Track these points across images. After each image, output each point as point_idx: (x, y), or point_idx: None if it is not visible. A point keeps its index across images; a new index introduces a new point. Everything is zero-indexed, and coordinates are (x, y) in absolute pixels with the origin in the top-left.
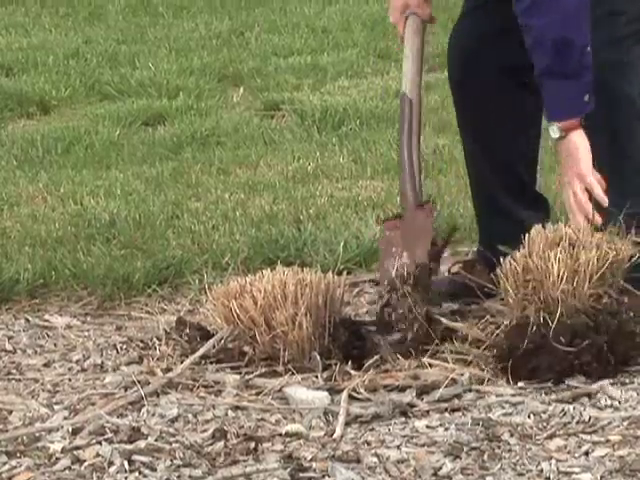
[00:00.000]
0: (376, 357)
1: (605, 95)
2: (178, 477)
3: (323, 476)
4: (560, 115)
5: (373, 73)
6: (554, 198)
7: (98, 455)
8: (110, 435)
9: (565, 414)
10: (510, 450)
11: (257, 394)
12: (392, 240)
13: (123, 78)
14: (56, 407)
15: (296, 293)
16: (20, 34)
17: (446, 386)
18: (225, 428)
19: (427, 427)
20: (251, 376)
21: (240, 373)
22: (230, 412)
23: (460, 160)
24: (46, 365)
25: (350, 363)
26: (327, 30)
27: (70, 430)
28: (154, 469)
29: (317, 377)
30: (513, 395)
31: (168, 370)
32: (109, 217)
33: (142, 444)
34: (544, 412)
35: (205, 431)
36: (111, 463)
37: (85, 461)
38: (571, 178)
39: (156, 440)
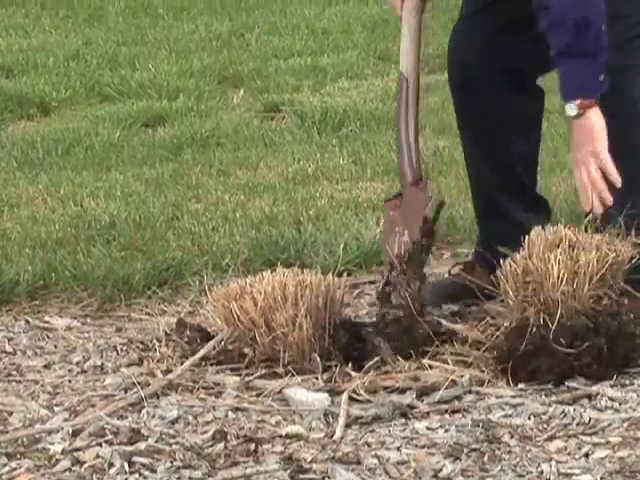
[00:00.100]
0: (376, 359)
1: (609, 98)
2: (178, 478)
3: (323, 477)
4: (578, 94)
5: (373, 75)
6: (554, 200)
7: (98, 457)
8: (110, 437)
9: (565, 416)
10: (510, 452)
11: (257, 395)
12: (394, 219)
13: (123, 79)
14: (56, 409)
15: (296, 294)
16: (20, 36)
17: (446, 388)
18: (225, 429)
19: (427, 429)
20: (251, 377)
21: (240, 374)
22: (230, 413)
23: (460, 162)
24: (46, 367)
25: (350, 365)
26: (327, 32)
27: (70, 432)
28: (154, 470)
29: (317, 378)
30: (513, 397)
31: (168, 372)
32: (109, 218)
33: (142, 445)
34: (544, 414)
35: (205, 432)
36: (111, 465)
37: (85, 462)
38: (585, 156)
39: (156, 442)
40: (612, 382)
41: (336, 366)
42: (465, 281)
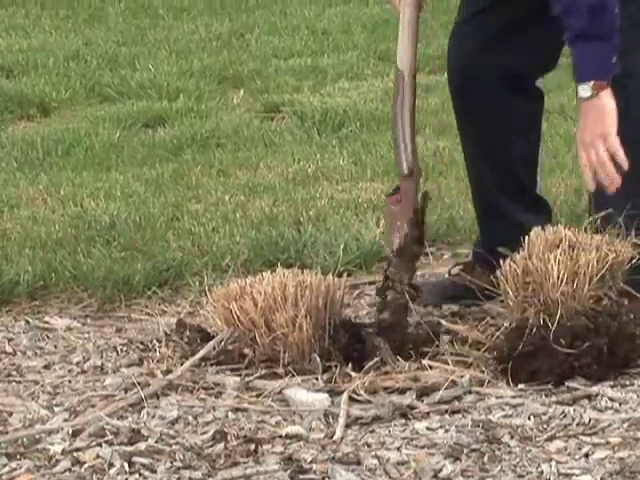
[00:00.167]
0: (376, 359)
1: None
2: (178, 479)
3: (323, 478)
4: (593, 75)
5: (373, 75)
6: (554, 200)
7: (98, 457)
8: (110, 437)
9: (565, 416)
10: (510, 452)
11: (257, 396)
12: (395, 214)
13: (123, 80)
14: (56, 409)
15: (296, 295)
16: (20, 36)
17: (446, 388)
18: (225, 430)
19: (427, 429)
20: (251, 378)
21: (240, 375)
22: (230, 414)
23: (460, 162)
24: (46, 367)
25: (350, 365)
26: (327, 32)
27: (70, 432)
28: (154, 471)
29: (317, 379)
30: (513, 397)
31: (168, 372)
32: (109, 219)
33: (142, 446)
34: (544, 414)
35: (205, 433)
36: (111, 465)
37: (85, 463)
38: (594, 138)
39: (156, 442)
40: (612, 382)
41: (336, 366)
42: (465, 281)
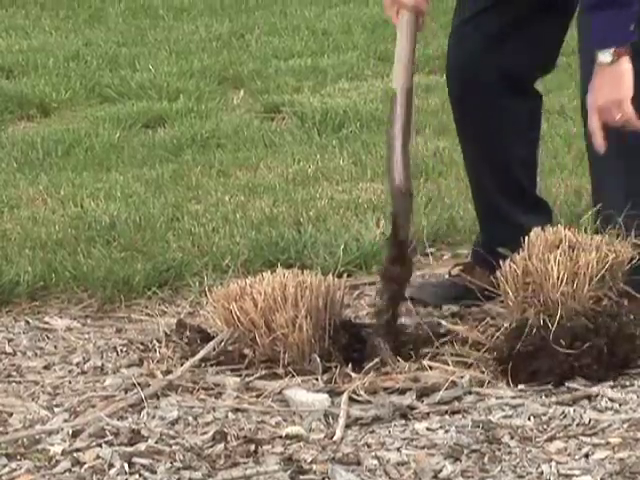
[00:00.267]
0: (376, 359)
1: None
2: (178, 479)
3: (323, 478)
4: (613, 42)
5: (373, 75)
6: (554, 201)
7: (98, 457)
8: (110, 437)
9: (565, 416)
10: (510, 452)
11: (257, 396)
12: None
13: (123, 80)
14: (56, 409)
15: (296, 295)
16: (20, 36)
17: (446, 388)
18: (225, 430)
19: (427, 429)
20: (251, 378)
21: (240, 375)
22: (230, 414)
23: (460, 163)
24: (46, 367)
25: (350, 365)
26: (327, 32)
27: (70, 432)
28: (154, 471)
29: (317, 379)
30: (513, 397)
31: (168, 372)
32: (109, 219)
33: (142, 446)
34: (544, 414)
35: (205, 433)
36: (111, 465)
37: (85, 463)
38: (609, 102)
39: (156, 442)
40: (612, 383)
41: (336, 367)
42: (465, 282)
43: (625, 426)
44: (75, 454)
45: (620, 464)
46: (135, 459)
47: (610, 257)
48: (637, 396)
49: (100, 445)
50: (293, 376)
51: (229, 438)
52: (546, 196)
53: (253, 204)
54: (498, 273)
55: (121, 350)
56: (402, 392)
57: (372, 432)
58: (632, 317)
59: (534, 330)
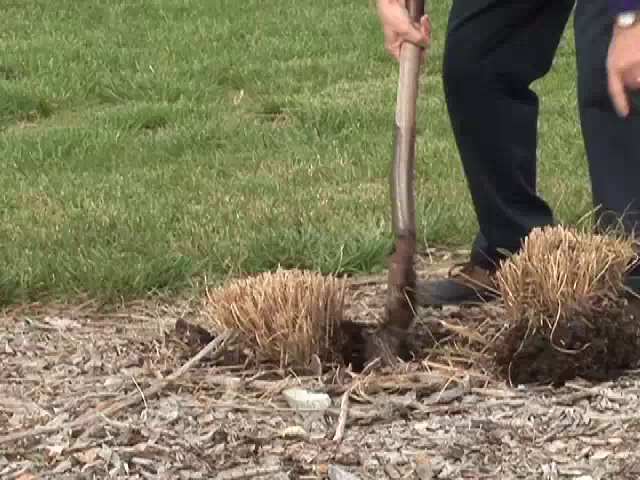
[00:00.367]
0: (376, 360)
1: (609, 103)
2: (178, 479)
3: (323, 478)
4: (634, 5)
5: (373, 76)
6: (554, 201)
7: (98, 457)
8: (110, 437)
9: (565, 417)
10: (510, 453)
11: (257, 396)
12: (393, 272)
13: (123, 81)
14: (56, 409)
15: (296, 296)
16: (20, 37)
17: (446, 389)
18: (225, 430)
19: (427, 430)
20: (251, 378)
21: (240, 375)
22: (230, 414)
23: (460, 163)
24: (46, 368)
25: (350, 366)
26: (327, 33)
27: (70, 432)
28: (154, 472)
29: (317, 380)
30: (513, 398)
31: (168, 372)
32: (109, 220)
33: (142, 447)
34: (544, 415)
35: (205, 433)
36: (111, 465)
37: (85, 463)
38: (631, 65)
39: (156, 442)
40: (612, 383)
41: (336, 367)
42: (465, 282)
43: (625, 426)
44: (75, 454)
45: (620, 464)
46: (135, 459)
47: (610, 257)
48: (637, 396)
49: (100, 445)
50: (293, 376)
51: (229, 438)
52: (546, 196)
53: (253, 204)
54: (498, 273)
55: (121, 350)
56: (402, 392)
57: (372, 432)
58: (632, 317)
59: (534, 330)
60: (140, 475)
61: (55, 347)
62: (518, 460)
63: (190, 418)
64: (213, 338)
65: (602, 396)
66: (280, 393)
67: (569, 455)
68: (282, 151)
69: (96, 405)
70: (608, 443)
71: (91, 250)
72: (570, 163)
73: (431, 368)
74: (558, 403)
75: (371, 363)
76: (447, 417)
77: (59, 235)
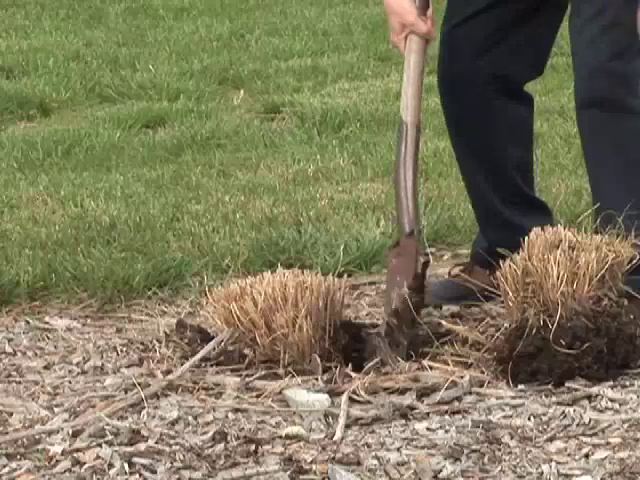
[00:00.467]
0: (376, 360)
1: (608, 104)
2: (178, 479)
3: (323, 478)
4: None
5: (373, 75)
6: (554, 201)
7: (98, 457)
8: (110, 437)
9: (565, 417)
10: (510, 452)
11: (257, 396)
12: (395, 269)
13: (123, 81)
14: (56, 409)
15: (296, 295)
16: (20, 36)
17: (446, 388)
18: (225, 430)
19: (427, 429)
20: (251, 378)
21: (240, 375)
22: (230, 414)
23: None
24: (46, 367)
25: (350, 365)
26: (327, 33)
27: (70, 432)
28: (154, 471)
29: (317, 379)
30: (513, 397)
31: (168, 372)
32: (109, 220)
33: (142, 446)
34: (544, 414)
35: (205, 433)
36: (111, 465)
37: (85, 463)
38: None
39: (156, 442)
40: (612, 383)
41: (336, 367)
42: (465, 282)
43: (625, 426)
44: (75, 454)
45: (620, 464)
46: (135, 459)
47: (610, 257)
48: (637, 396)
49: (100, 445)
50: (293, 376)
51: (229, 438)
52: (546, 196)
53: (253, 204)
54: (498, 273)
55: (121, 350)
56: (402, 392)
57: (372, 432)
58: (632, 317)
59: (534, 330)
60: (140, 475)
61: (55, 347)
62: (518, 460)
63: (190, 418)
64: (213, 338)
65: (602, 396)
66: (280, 393)
67: (569, 455)
68: (282, 151)
69: (96, 405)
70: (608, 443)
71: (91, 250)
72: (570, 163)
73: (431, 368)
74: (558, 403)
75: (371, 363)
76: (447, 417)
77: (59, 235)
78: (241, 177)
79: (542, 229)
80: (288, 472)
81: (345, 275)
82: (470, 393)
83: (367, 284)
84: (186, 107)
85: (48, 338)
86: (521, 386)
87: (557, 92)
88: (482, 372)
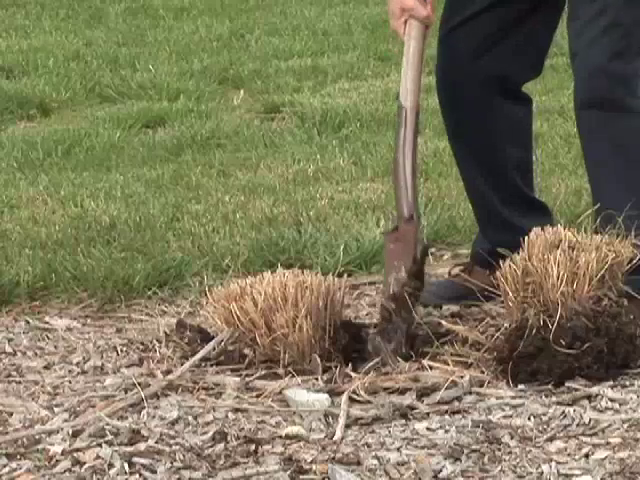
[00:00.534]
0: (376, 359)
1: (608, 104)
2: (178, 479)
3: (323, 478)
4: None
5: (373, 75)
6: (554, 201)
7: (98, 457)
8: (110, 437)
9: (565, 416)
10: (510, 452)
11: (257, 396)
12: (393, 253)
13: (123, 80)
14: (56, 409)
15: (296, 295)
16: (20, 36)
17: (446, 388)
18: (225, 430)
19: (427, 429)
20: (251, 378)
21: (240, 375)
22: (230, 414)
23: None
24: (46, 367)
25: (350, 365)
26: (327, 32)
27: (70, 432)
28: (154, 471)
29: (317, 379)
30: (513, 397)
31: (168, 372)
32: (109, 220)
33: (142, 446)
34: (544, 414)
35: (205, 433)
36: (111, 465)
37: (85, 463)
38: None
39: (156, 442)
40: (612, 383)
41: (336, 367)
42: (465, 282)
43: (625, 426)
44: (75, 454)
45: (620, 464)
46: (135, 459)
47: (610, 257)
48: (637, 396)
49: (100, 445)
50: (293, 376)
51: (229, 438)
52: (546, 196)
53: (253, 204)
54: (498, 273)
55: (121, 350)
56: (402, 392)
57: (372, 432)
58: (632, 317)
59: (534, 330)
60: (140, 475)
61: (55, 347)
62: (518, 460)
63: (190, 418)
64: (213, 338)
65: (602, 396)
66: (280, 393)
67: (569, 455)
68: (282, 151)
69: (96, 405)
70: (608, 443)
71: (91, 250)
72: (570, 163)
73: (431, 368)
74: (558, 403)
75: (371, 363)
76: (447, 417)
77: (59, 235)
78: (241, 177)
79: (542, 229)
80: (288, 472)
81: (345, 275)
82: (470, 393)
83: (367, 284)
84: (186, 107)
85: (48, 338)
86: (521, 386)
87: (557, 92)
88: (482, 372)
